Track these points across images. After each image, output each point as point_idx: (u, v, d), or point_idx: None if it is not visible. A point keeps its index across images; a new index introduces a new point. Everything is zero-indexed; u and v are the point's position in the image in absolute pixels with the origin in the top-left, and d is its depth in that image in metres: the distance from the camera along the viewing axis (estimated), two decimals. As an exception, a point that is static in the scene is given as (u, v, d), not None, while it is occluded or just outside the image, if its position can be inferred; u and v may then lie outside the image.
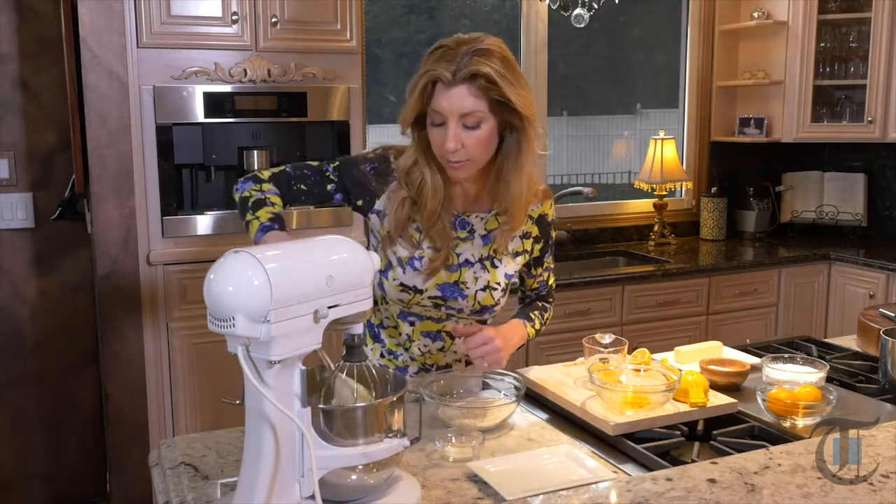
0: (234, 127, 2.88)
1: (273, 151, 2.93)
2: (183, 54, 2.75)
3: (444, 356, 1.80)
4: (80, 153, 2.88)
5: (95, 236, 2.73)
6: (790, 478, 1.23)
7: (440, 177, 1.65)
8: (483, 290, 1.72)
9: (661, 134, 3.99)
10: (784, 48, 3.94)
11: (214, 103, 2.79)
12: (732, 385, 1.74)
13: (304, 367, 1.13)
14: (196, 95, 2.76)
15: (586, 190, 3.65)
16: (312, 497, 1.06)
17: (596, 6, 3.58)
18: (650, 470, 1.33)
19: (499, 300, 1.75)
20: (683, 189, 4.30)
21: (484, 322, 1.78)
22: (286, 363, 1.10)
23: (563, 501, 1.21)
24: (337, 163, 1.74)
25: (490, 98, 1.55)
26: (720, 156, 4.27)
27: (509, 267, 1.76)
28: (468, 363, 1.78)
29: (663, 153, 3.94)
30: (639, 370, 1.62)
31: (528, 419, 1.61)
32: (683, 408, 1.53)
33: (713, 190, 4.17)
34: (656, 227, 4.03)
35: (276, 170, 1.72)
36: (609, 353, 1.71)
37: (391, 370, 1.32)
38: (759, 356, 1.89)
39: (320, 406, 1.15)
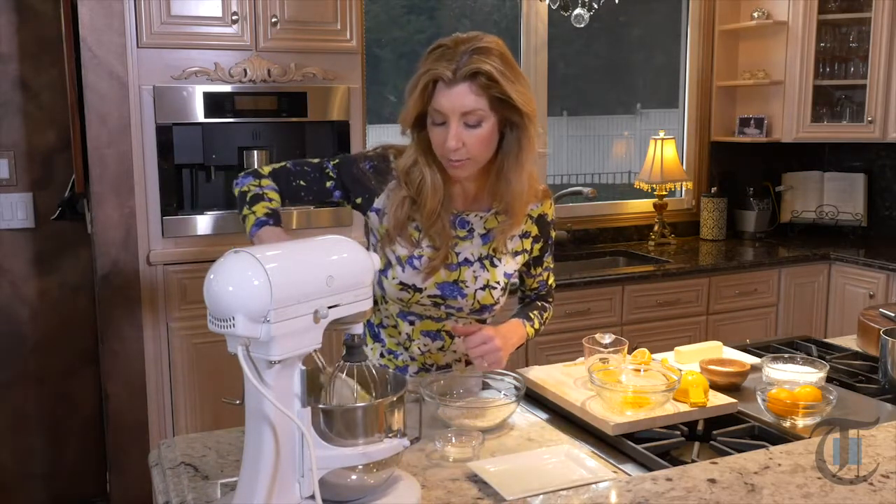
0: (234, 127, 2.89)
1: (273, 151, 2.93)
2: (183, 54, 2.75)
3: (444, 356, 1.80)
4: (80, 153, 2.88)
5: (95, 236, 2.73)
6: (790, 478, 1.23)
7: (440, 176, 1.66)
8: (482, 288, 1.72)
9: (661, 134, 3.99)
10: (784, 48, 3.94)
11: (214, 103, 2.79)
12: (732, 385, 1.74)
13: (304, 367, 1.13)
14: (196, 95, 2.77)
15: (586, 190, 3.65)
16: (312, 497, 1.06)
17: (596, 6, 3.58)
18: (650, 470, 1.33)
19: (498, 299, 1.75)
20: (683, 189, 4.30)
21: (483, 321, 1.79)
22: (286, 363, 1.10)
23: (563, 501, 1.21)
24: (337, 160, 1.74)
25: (491, 96, 1.55)
26: (720, 156, 4.27)
27: (509, 266, 1.76)
28: (468, 363, 1.78)
29: (663, 153, 3.94)
30: (639, 370, 1.62)
31: (528, 419, 1.61)
32: (683, 408, 1.53)
33: (713, 190, 4.17)
34: (656, 227, 4.03)
35: (276, 165, 1.73)
36: (609, 353, 1.71)
37: (391, 370, 1.32)
38: (759, 356, 1.89)
39: (320, 406, 1.15)
